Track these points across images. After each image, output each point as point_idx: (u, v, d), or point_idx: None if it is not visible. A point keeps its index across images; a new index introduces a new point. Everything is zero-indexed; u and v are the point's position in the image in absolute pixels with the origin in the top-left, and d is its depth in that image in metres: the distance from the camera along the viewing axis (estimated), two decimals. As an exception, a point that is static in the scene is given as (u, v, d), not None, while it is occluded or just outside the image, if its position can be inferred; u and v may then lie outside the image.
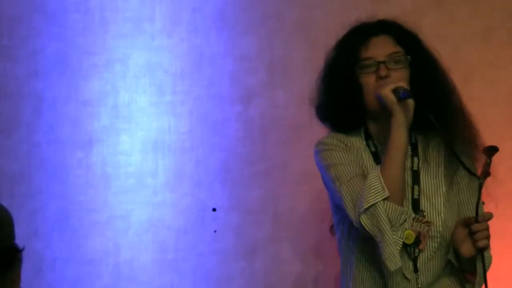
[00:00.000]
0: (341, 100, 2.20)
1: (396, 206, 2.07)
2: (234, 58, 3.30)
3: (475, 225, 2.12)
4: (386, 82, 2.16)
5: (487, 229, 2.15)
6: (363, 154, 2.24)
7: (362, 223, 2.07)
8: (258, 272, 3.23)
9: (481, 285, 2.20)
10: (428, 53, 2.27)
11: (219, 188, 3.27)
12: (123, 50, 3.29)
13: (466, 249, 2.13)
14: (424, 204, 2.18)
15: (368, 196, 2.07)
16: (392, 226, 2.06)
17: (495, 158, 2.67)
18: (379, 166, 2.14)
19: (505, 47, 3.28)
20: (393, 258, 2.05)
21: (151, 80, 3.30)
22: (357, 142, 2.25)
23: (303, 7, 3.31)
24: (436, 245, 2.17)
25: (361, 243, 2.19)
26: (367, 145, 2.25)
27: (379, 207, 2.05)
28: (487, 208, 3.20)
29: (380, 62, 2.18)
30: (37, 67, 3.28)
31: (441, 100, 2.19)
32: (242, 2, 3.32)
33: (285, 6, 3.30)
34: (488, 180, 2.73)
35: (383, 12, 3.23)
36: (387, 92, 2.12)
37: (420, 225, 2.14)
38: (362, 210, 2.07)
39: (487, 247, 2.15)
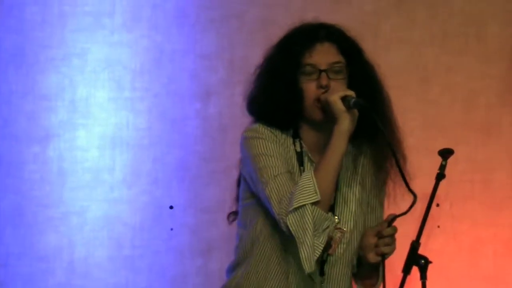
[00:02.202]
0: (280, 102, 2.20)
1: (323, 212, 2.09)
2: (195, 56, 3.29)
3: (386, 230, 2.17)
4: (332, 89, 2.16)
5: (393, 236, 2.19)
6: (290, 152, 2.24)
7: (288, 222, 2.07)
8: (214, 270, 3.21)
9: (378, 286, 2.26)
10: (368, 64, 2.27)
11: (177, 186, 3.26)
12: (81, 44, 3.28)
13: (372, 256, 2.17)
14: (338, 211, 2.21)
15: (300, 196, 2.06)
16: (315, 231, 2.08)
17: (450, 160, 2.69)
18: (312, 168, 2.16)
19: (462, 52, 3.31)
20: (309, 261, 2.07)
21: (110, 76, 3.28)
22: (286, 138, 2.25)
23: (264, 7, 3.32)
24: (341, 251, 2.21)
25: (271, 235, 2.20)
26: (293, 143, 2.24)
27: (308, 210, 2.06)
28: (442, 209, 3.27)
29: (321, 71, 2.17)
30: None
31: (377, 112, 2.18)
32: (203, 1, 3.31)
33: (246, 5, 3.30)
34: (443, 182, 2.75)
35: (344, 13, 3.28)
36: (336, 99, 2.11)
37: (333, 230, 2.17)
38: (291, 209, 2.06)
39: (390, 254, 2.20)
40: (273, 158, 2.16)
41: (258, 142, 2.19)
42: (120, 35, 3.27)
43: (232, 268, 2.30)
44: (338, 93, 2.12)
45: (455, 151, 2.72)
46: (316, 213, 2.07)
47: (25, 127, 3.23)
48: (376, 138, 2.19)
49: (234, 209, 2.38)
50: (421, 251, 2.62)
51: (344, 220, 2.21)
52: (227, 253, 3.22)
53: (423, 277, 2.54)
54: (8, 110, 3.24)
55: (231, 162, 3.22)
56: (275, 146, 2.19)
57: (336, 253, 2.19)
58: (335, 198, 2.20)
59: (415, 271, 2.56)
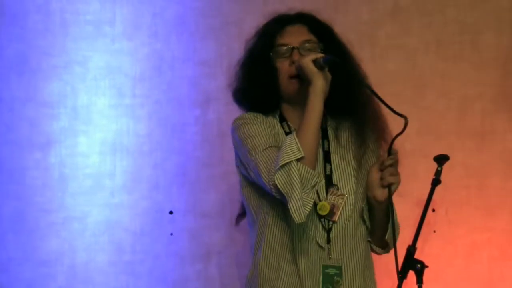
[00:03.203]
0: (258, 82, 2.30)
1: (309, 168, 2.14)
2: (194, 63, 3.31)
3: (387, 159, 2.23)
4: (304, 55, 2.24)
5: (396, 163, 2.25)
6: (278, 133, 2.33)
7: (276, 181, 2.13)
8: (213, 275, 3.22)
9: (397, 231, 2.35)
10: (340, 43, 2.36)
11: (177, 191, 3.26)
12: (83, 52, 3.29)
13: (380, 193, 2.24)
14: (336, 179, 2.27)
15: (284, 155, 2.13)
16: (303, 188, 2.13)
17: (446, 166, 2.70)
18: (295, 131, 2.23)
19: (456, 60, 3.32)
20: (298, 212, 2.12)
21: (111, 83, 3.30)
22: (273, 121, 2.33)
23: (261, 15, 3.29)
24: (349, 213, 2.26)
25: (273, 216, 2.26)
26: (281, 126, 2.33)
27: (293, 166, 2.12)
28: (438, 214, 3.26)
29: (294, 48, 2.27)
30: None
31: (353, 86, 2.27)
32: (202, 9, 3.32)
33: (244, 13, 3.31)
34: (439, 187, 2.76)
35: (341, 22, 3.27)
36: (307, 62, 2.19)
37: (334, 197, 2.24)
38: (277, 167, 2.13)
39: (396, 185, 2.25)
40: (259, 138, 2.25)
41: (244, 127, 2.28)
42: (121, 43, 3.29)
43: (249, 273, 2.37)
44: (309, 56, 2.20)
45: (450, 157, 2.75)
46: (302, 169, 2.13)
47: (27, 134, 3.24)
48: (354, 110, 2.28)
49: (239, 212, 2.46)
50: (417, 255, 2.65)
51: (344, 184, 2.27)
52: (226, 258, 3.25)
53: (419, 281, 2.57)
54: (10, 116, 3.25)
55: (230, 168, 3.23)
56: (260, 127, 2.27)
57: (343, 218, 2.24)
58: (331, 170, 2.27)
59: (411, 275, 2.58)
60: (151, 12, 3.31)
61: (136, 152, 3.27)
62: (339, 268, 2.23)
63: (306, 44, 2.29)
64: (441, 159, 2.77)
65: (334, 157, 2.29)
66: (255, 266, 2.31)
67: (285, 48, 2.28)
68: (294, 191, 2.11)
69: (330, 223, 2.22)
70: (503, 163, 3.28)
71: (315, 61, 2.19)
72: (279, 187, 2.12)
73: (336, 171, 2.28)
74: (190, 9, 3.32)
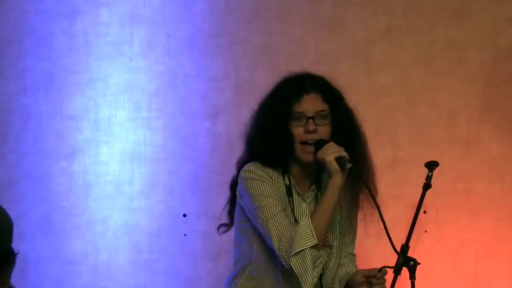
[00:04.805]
0: (273, 143, 2.35)
1: (318, 253, 2.29)
2: (205, 79, 3.32)
3: (374, 280, 2.36)
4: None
5: (384, 282, 2.38)
6: (279, 184, 2.42)
7: (292, 264, 2.26)
8: (223, 273, 3.19)
9: None
10: (348, 109, 2.45)
11: (189, 196, 3.27)
12: (104, 70, 3.30)
13: None
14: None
15: (300, 240, 2.25)
16: (313, 268, 2.29)
17: (436, 171, 2.78)
18: (309, 214, 2.32)
19: (444, 74, 3.34)
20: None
21: (129, 98, 3.31)
22: (277, 175, 2.42)
23: (266, 35, 3.34)
24: (332, 263, 2.42)
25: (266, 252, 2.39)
26: (283, 178, 2.41)
27: (307, 253, 2.26)
28: (428, 215, 3.27)
29: (309, 118, 2.34)
30: (26, 84, 3.27)
31: (357, 151, 2.38)
32: (211, 29, 3.33)
33: (250, 33, 3.34)
34: (430, 191, 2.84)
35: (339, 40, 3.31)
36: (331, 160, 2.28)
37: (323, 248, 2.37)
38: (293, 253, 2.25)
39: None
40: (269, 198, 2.33)
41: (256, 183, 2.35)
42: (138, 62, 3.32)
43: (231, 280, 2.49)
44: (333, 153, 2.29)
45: (440, 163, 2.81)
46: (314, 255, 2.27)
47: (53, 144, 3.26)
48: (353, 177, 2.36)
49: (224, 221, 2.54)
50: (410, 253, 2.66)
51: (331, 239, 2.41)
52: (235, 257, 3.30)
53: (412, 277, 2.57)
54: (39, 129, 3.26)
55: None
56: (270, 187, 2.35)
57: (329, 267, 2.40)
58: None
59: (405, 271, 2.64)
60: (165, 33, 3.31)
61: (152, 161, 3.28)
62: None
63: (320, 114, 2.35)
64: (431, 165, 2.82)
65: None
66: (239, 282, 2.44)
67: (301, 116, 2.34)
68: (308, 275, 2.27)
69: (323, 270, 2.38)
70: (488, 168, 3.30)
71: (338, 159, 2.27)
72: (294, 270, 2.27)
73: None
74: (200, 30, 3.31)
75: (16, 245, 3.33)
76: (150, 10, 3.33)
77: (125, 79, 3.31)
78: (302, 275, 2.27)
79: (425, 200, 2.49)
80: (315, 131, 2.34)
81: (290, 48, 3.32)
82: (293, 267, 2.27)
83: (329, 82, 2.42)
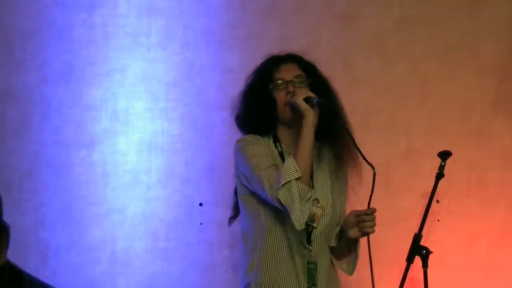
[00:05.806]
0: (260, 109, 2.55)
1: (305, 186, 2.41)
2: (221, 70, 3.34)
3: (365, 216, 2.45)
4: (296, 93, 2.51)
5: (374, 219, 2.46)
6: (272, 151, 2.56)
7: (279, 196, 2.39)
8: (238, 260, 3.14)
9: (357, 261, 2.55)
10: (323, 78, 2.63)
11: (206, 185, 3.29)
12: (122, 61, 3.32)
13: (353, 232, 2.48)
14: (318, 194, 2.52)
15: (285, 174, 2.40)
16: (301, 200, 2.40)
17: (449, 161, 2.79)
18: (292, 155, 2.47)
19: (458, 65, 3.34)
20: (298, 221, 2.40)
21: (147, 88, 3.32)
22: (268, 142, 2.58)
23: (281, 27, 3.37)
24: (326, 222, 2.51)
25: (272, 222, 2.50)
26: (275, 146, 2.57)
27: (293, 184, 2.39)
28: (441, 205, 3.27)
29: (288, 81, 2.54)
30: (46, 76, 3.28)
31: (334, 115, 2.52)
32: (228, 21, 3.35)
33: (266, 25, 3.36)
34: (443, 181, 2.85)
35: (352, 32, 3.32)
36: (300, 100, 2.47)
37: (316, 208, 2.48)
38: (280, 186, 2.39)
39: (373, 232, 2.45)
40: (261, 157, 2.49)
41: (248, 147, 2.52)
42: (156, 53, 3.32)
43: (248, 269, 2.55)
44: (301, 95, 2.46)
45: (453, 153, 2.83)
46: (300, 187, 2.39)
47: (73, 134, 3.27)
48: (334, 139, 2.52)
49: (232, 214, 2.67)
50: (422, 242, 2.73)
51: (323, 199, 2.50)
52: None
53: (425, 265, 2.65)
54: (58, 119, 3.27)
55: (254, 164, 3.32)
56: (260, 148, 2.52)
57: (320, 226, 2.48)
58: (313, 185, 2.51)
59: (417, 260, 2.69)
60: (182, 24, 3.33)
61: (169, 151, 3.29)
62: (315, 264, 2.48)
63: (298, 79, 2.55)
64: (444, 155, 2.84)
65: (316, 175, 2.54)
66: (255, 263, 2.51)
67: (281, 81, 2.54)
68: (295, 204, 2.38)
69: (310, 227, 2.47)
70: (501, 158, 3.31)
71: (307, 99, 2.44)
72: (282, 201, 2.38)
73: (317, 187, 2.53)
74: (217, 22, 3.34)
75: (37, 232, 3.37)
76: (168, 2, 3.35)
77: (143, 70, 3.33)
78: (290, 205, 2.38)
79: (438, 190, 2.56)
80: (293, 92, 2.51)
81: (305, 40, 3.33)
82: (281, 200, 2.38)
83: (303, 56, 2.62)
